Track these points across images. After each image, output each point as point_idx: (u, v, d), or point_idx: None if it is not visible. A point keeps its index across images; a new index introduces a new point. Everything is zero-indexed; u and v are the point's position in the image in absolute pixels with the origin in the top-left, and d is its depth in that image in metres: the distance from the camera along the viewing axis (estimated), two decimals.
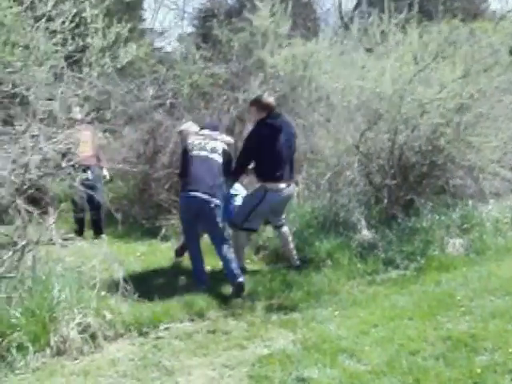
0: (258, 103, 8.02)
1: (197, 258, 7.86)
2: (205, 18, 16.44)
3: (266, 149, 7.81)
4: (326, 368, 5.19)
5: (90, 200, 9.68)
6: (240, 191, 8.76)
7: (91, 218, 10.59)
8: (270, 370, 5.24)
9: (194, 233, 7.91)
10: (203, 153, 7.80)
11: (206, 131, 8.11)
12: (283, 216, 8.49)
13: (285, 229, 8.43)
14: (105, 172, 10.53)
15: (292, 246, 8.42)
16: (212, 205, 7.53)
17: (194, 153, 7.79)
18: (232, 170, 8.03)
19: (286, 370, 5.23)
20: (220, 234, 7.76)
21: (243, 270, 7.85)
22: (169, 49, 18.42)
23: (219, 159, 7.85)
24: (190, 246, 7.99)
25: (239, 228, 8.12)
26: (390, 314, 6.38)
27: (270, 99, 8.01)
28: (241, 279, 7.46)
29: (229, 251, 7.70)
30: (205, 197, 7.50)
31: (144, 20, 21.52)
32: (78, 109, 7.83)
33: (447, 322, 6.09)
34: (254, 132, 8.03)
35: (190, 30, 18.64)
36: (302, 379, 5.01)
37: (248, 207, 8.01)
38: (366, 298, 7.11)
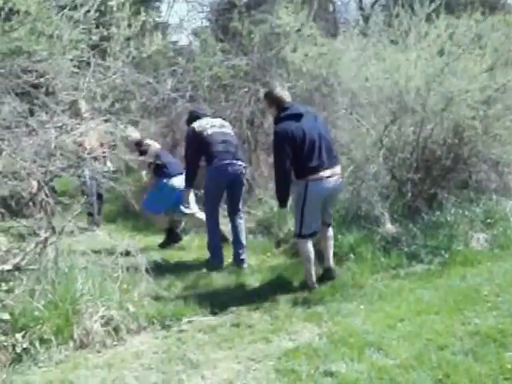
0: (267, 96, 7.46)
1: (216, 234, 8.40)
2: (223, 10, 16.32)
3: (298, 143, 6.99)
4: (354, 362, 5.12)
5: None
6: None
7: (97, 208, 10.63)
8: (297, 364, 5.17)
9: (217, 206, 8.48)
10: (216, 129, 8.50)
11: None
12: (332, 212, 7.78)
13: (331, 229, 7.70)
14: (109, 163, 10.39)
15: (332, 248, 7.70)
16: (243, 170, 8.56)
17: (209, 131, 8.40)
18: (275, 185, 7.25)
19: (312, 363, 5.16)
20: (240, 200, 8.64)
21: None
22: (183, 42, 18.35)
23: (230, 131, 8.83)
24: (211, 220, 8.43)
25: (299, 237, 7.28)
26: (416, 309, 6.30)
27: (281, 92, 7.33)
28: (244, 265, 8.34)
29: (242, 223, 8.61)
30: (237, 163, 8.41)
31: (161, 12, 21.43)
32: (84, 102, 7.79)
33: (474, 316, 5.99)
34: (279, 133, 7.11)
35: (205, 23, 18.49)
36: (330, 373, 4.93)
37: (298, 212, 7.17)
38: (391, 292, 7.01)
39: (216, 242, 8.36)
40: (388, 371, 4.92)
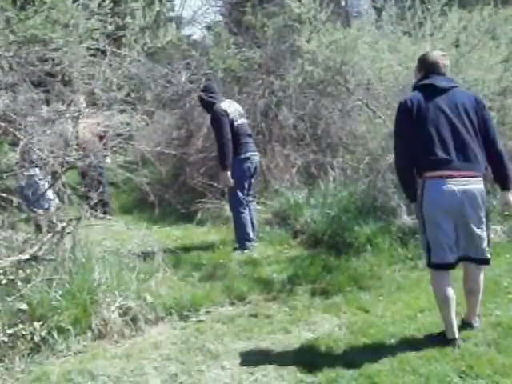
0: (419, 60, 5.62)
1: (248, 222, 8.55)
2: (236, 4, 16.34)
3: (417, 123, 5.23)
4: (375, 353, 5.08)
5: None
6: None
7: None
8: (318, 355, 5.16)
9: (245, 194, 8.63)
10: (242, 120, 8.74)
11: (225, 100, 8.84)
12: (481, 241, 5.26)
13: (481, 274, 5.51)
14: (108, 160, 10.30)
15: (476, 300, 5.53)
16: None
17: (239, 121, 8.61)
18: (399, 177, 5.54)
19: (333, 354, 5.15)
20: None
21: None
22: (196, 37, 18.47)
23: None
24: (242, 210, 8.56)
25: (429, 267, 5.36)
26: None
27: (437, 58, 5.45)
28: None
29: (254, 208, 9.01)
30: (257, 152, 8.84)
31: (174, 5, 21.45)
32: (82, 98, 7.73)
33: (495, 308, 5.97)
34: (399, 104, 5.42)
35: (218, 17, 18.54)
36: (352, 364, 4.89)
37: (420, 227, 5.38)
38: (410, 283, 6.98)
39: (247, 228, 8.56)
40: (410, 362, 4.87)
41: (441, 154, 5.08)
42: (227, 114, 8.42)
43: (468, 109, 5.22)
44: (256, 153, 8.79)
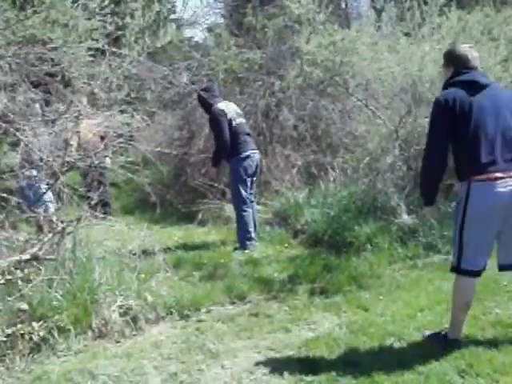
0: (446, 54, 5.29)
1: (250, 222, 8.58)
2: (236, 6, 16.38)
3: (460, 123, 4.86)
4: (375, 352, 5.10)
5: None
6: None
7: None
8: (318, 354, 5.14)
9: (248, 194, 8.66)
10: (241, 119, 8.83)
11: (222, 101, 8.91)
12: None
13: None
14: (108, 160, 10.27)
15: None
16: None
17: (237, 120, 8.69)
18: (422, 177, 5.34)
19: (333, 353, 5.13)
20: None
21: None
22: (197, 39, 18.53)
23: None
24: (245, 210, 8.59)
25: (457, 271, 5.11)
26: (436, 299, 6.24)
27: (466, 51, 5.09)
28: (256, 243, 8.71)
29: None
30: (257, 152, 8.88)
31: (175, 8, 21.46)
32: (85, 99, 7.72)
33: (495, 306, 5.95)
34: (437, 101, 5.01)
35: (219, 19, 18.60)
36: (352, 363, 4.90)
37: (456, 231, 5.02)
38: (409, 282, 6.96)
39: (248, 228, 8.61)
40: (410, 361, 4.86)
41: (487, 156, 4.77)
42: (225, 114, 8.48)
43: (506, 105, 4.93)
44: (256, 151, 8.82)
